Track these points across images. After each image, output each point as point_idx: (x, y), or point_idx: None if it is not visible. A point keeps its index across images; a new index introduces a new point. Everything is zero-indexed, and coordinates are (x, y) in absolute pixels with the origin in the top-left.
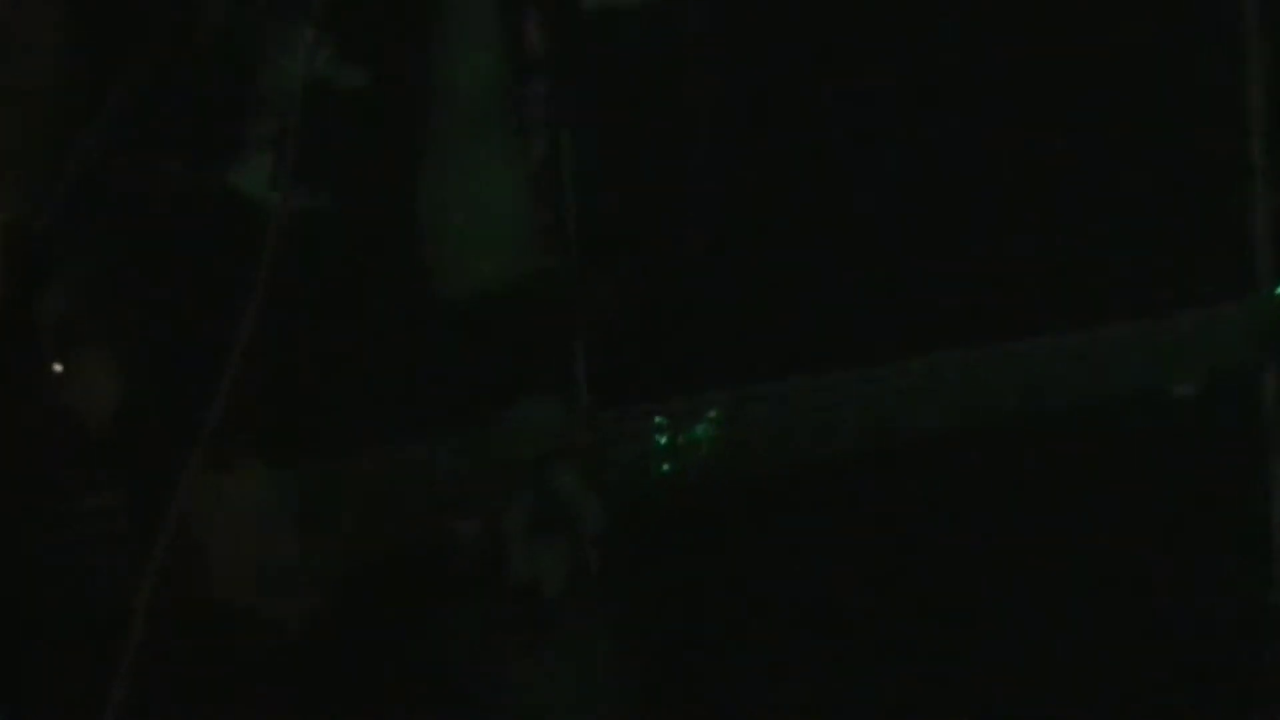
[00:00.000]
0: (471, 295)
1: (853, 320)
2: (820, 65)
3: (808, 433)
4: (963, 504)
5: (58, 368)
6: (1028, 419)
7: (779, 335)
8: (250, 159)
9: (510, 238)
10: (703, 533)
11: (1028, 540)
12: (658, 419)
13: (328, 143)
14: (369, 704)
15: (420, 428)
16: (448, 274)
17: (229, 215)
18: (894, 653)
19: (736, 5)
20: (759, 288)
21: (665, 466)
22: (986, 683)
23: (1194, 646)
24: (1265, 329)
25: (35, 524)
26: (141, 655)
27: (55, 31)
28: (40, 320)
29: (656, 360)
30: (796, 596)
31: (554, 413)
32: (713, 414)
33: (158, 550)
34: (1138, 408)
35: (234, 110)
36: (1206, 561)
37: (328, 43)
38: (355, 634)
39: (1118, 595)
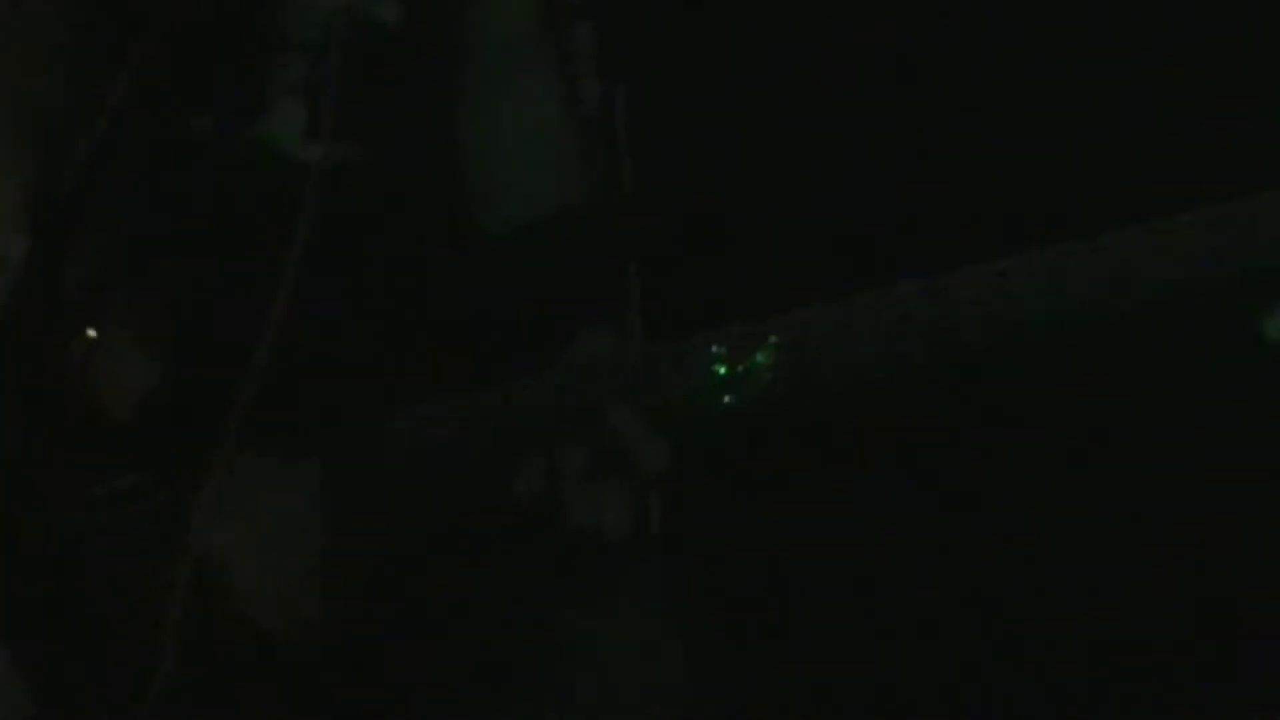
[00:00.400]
0: (521, 232)
1: (913, 234)
2: None
3: (874, 353)
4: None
5: (92, 333)
6: (1111, 329)
7: (837, 255)
8: (281, 109)
9: (559, 172)
10: (768, 472)
11: (1103, 473)
12: (715, 348)
13: (364, 87)
14: (427, 659)
15: (475, 372)
16: (496, 213)
17: (261, 169)
18: (974, 591)
19: None
20: (814, 207)
21: (726, 399)
22: (1073, 618)
23: None
24: None
25: (65, 506)
26: (183, 633)
27: None
28: (70, 285)
29: (712, 287)
30: (867, 541)
31: (610, 348)
32: (773, 340)
33: (195, 527)
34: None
35: (260, 58)
36: None
37: None
38: (411, 590)
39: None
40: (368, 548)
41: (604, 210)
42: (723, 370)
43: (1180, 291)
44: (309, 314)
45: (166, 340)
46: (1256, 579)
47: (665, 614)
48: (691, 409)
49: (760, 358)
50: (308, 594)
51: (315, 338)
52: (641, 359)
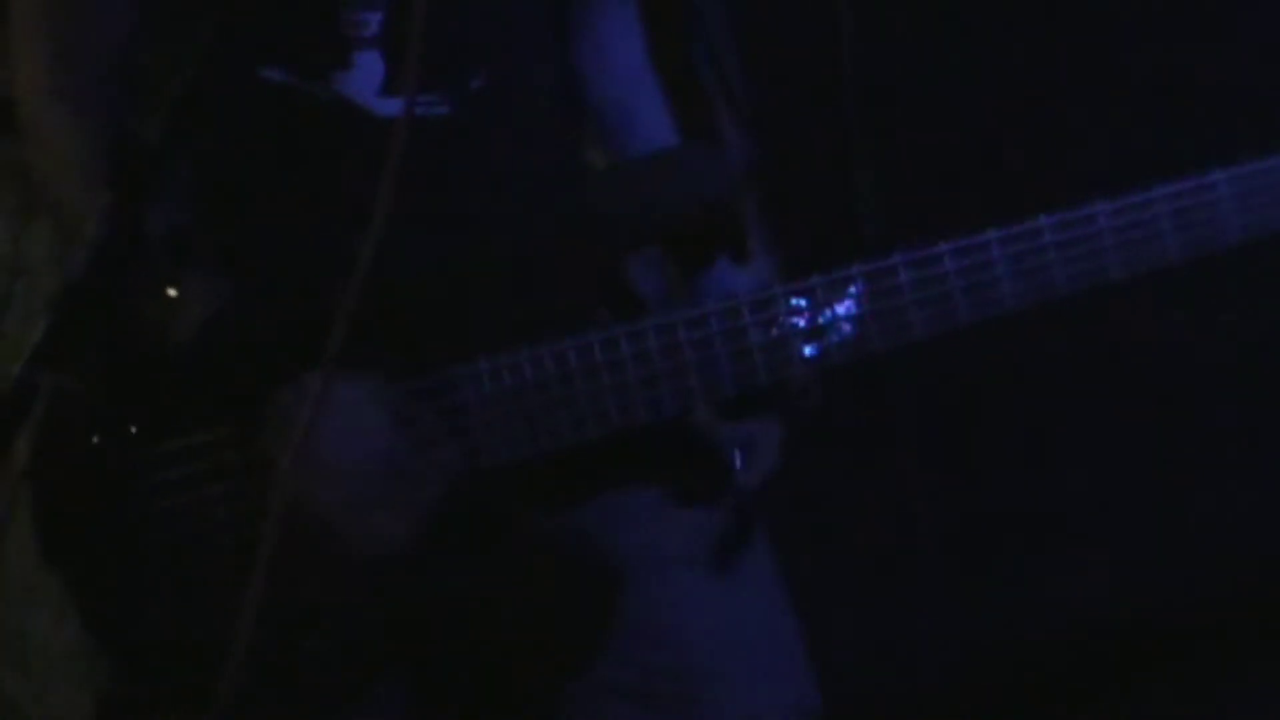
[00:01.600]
0: (609, 176)
1: (996, 178)
2: None
3: (961, 299)
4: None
5: (173, 292)
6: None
7: (917, 198)
8: (357, 60)
9: (647, 117)
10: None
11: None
12: (795, 299)
13: (440, 40)
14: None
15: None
16: (579, 157)
17: (336, 124)
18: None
19: None
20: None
21: (807, 350)
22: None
23: None
24: None
25: (140, 460)
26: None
27: None
28: (151, 233)
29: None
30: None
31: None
32: (854, 289)
33: (280, 486)
34: None
35: (338, 10)
36: None
37: None
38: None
39: None
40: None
41: (691, 159)
42: (802, 322)
43: None
44: (391, 266)
45: (248, 296)
46: None
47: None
48: (771, 360)
49: (842, 309)
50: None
51: (396, 290)
52: (722, 309)
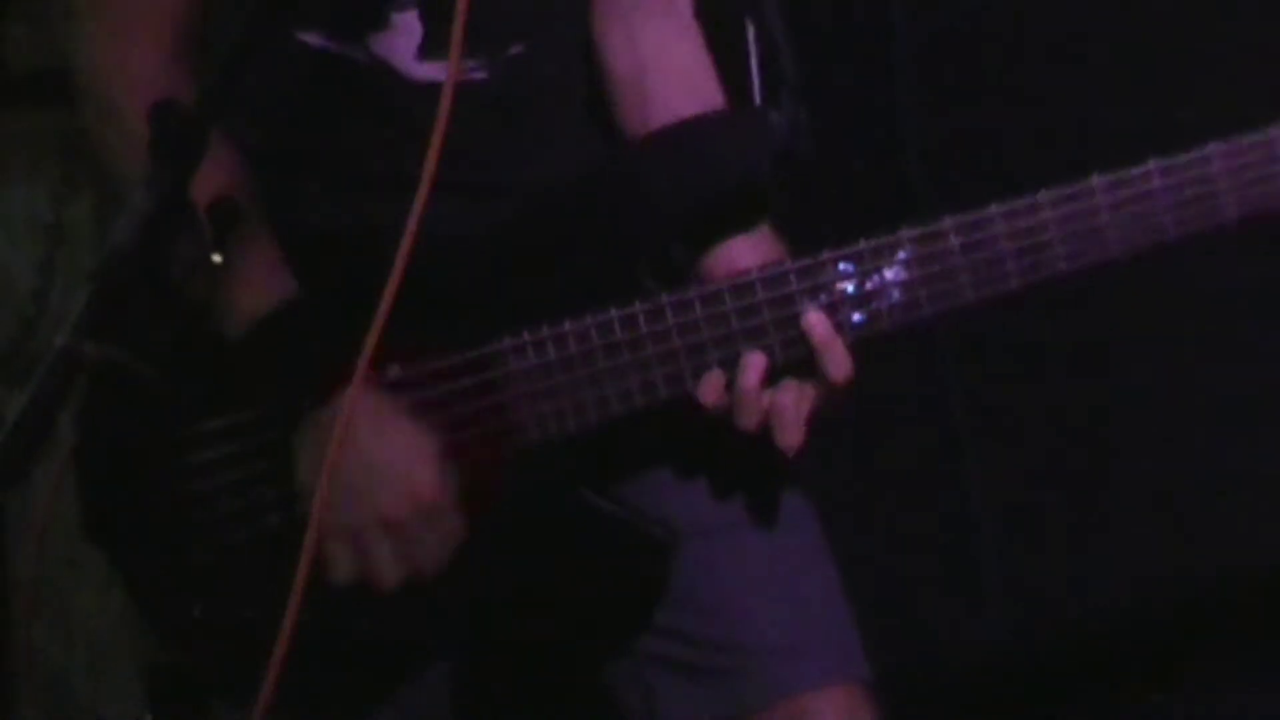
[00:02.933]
0: (651, 145)
1: (1047, 141)
2: None
3: (1012, 263)
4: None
5: (218, 258)
6: None
7: (966, 163)
8: (394, 25)
9: (690, 83)
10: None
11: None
12: (843, 265)
13: (479, 6)
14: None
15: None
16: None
17: (375, 88)
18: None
19: None
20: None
21: (855, 317)
22: None
23: None
24: None
25: (186, 434)
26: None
27: None
28: (193, 211)
29: (839, 200)
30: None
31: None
32: (903, 254)
33: (327, 469)
34: None
35: None
36: None
37: None
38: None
39: None
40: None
41: (735, 125)
42: (850, 288)
43: None
44: (429, 235)
45: (291, 265)
46: None
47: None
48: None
49: (891, 274)
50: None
51: (436, 259)
52: (768, 275)
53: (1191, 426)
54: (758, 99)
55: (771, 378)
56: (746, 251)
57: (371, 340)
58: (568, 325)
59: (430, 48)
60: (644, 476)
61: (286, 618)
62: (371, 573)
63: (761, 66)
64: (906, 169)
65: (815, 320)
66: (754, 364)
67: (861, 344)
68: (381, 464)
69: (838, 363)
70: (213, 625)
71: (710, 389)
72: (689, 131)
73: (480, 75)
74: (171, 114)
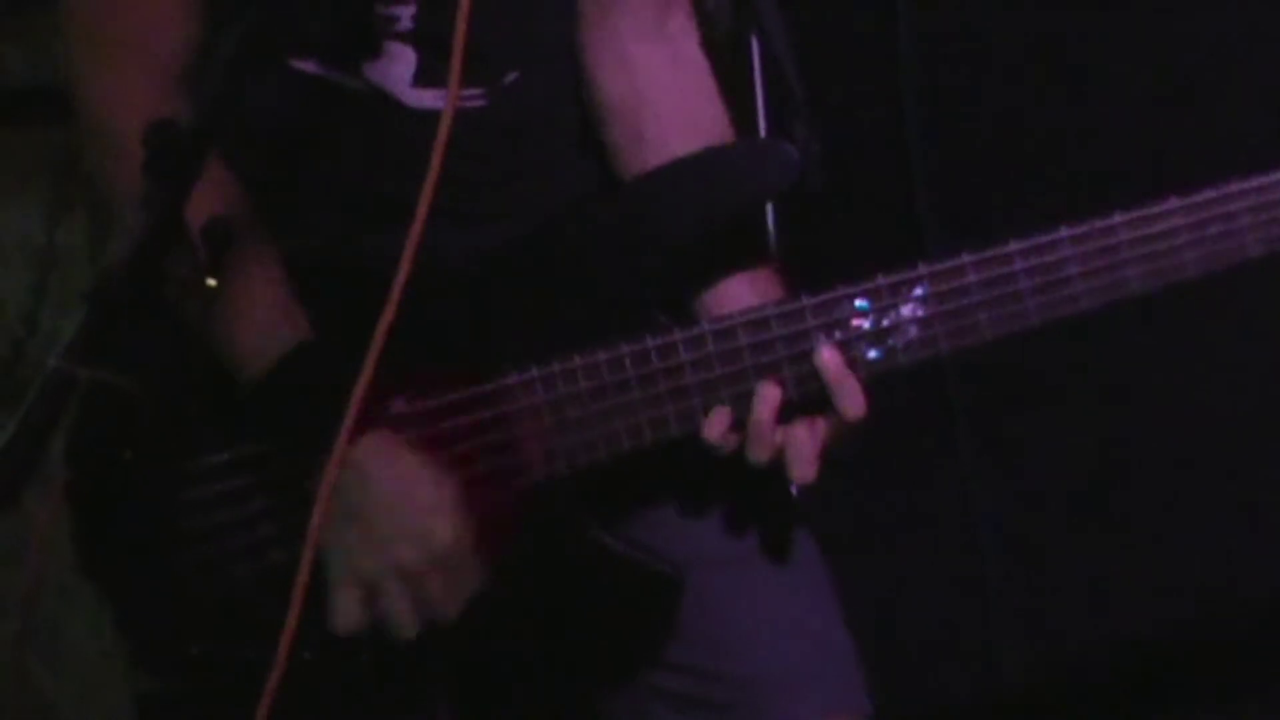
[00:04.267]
0: (657, 177)
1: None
2: None
3: (1031, 300)
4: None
5: (212, 282)
6: None
7: (979, 196)
8: (389, 52)
9: (686, 114)
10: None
11: None
12: (858, 300)
13: (475, 34)
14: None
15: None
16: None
17: (370, 115)
18: None
19: None
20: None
21: (871, 354)
22: None
23: None
24: None
25: (182, 467)
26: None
27: None
28: (187, 233)
29: (855, 235)
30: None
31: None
32: (919, 290)
33: (319, 503)
34: None
35: (366, 1)
36: None
37: None
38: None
39: None
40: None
41: (740, 155)
42: (866, 325)
43: None
44: (429, 265)
45: (289, 291)
46: None
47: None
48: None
49: (907, 310)
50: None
51: (436, 291)
52: (782, 311)
53: (1203, 450)
54: (763, 127)
55: (785, 412)
56: (745, 290)
57: (367, 371)
58: (578, 360)
59: (425, 75)
60: (646, 510)
61: (280, 651)
62: (388, 622)
63: (768, 93)
64: (914, 198)
65: (829, 357)
66: (768, 397)
67: (875, 381)
68: (400, 513)
69: (852, 399)
70: (211, 663)
71: (717, 426)
72: (693, 165)
73: (478, 103)
74: (166, 134)
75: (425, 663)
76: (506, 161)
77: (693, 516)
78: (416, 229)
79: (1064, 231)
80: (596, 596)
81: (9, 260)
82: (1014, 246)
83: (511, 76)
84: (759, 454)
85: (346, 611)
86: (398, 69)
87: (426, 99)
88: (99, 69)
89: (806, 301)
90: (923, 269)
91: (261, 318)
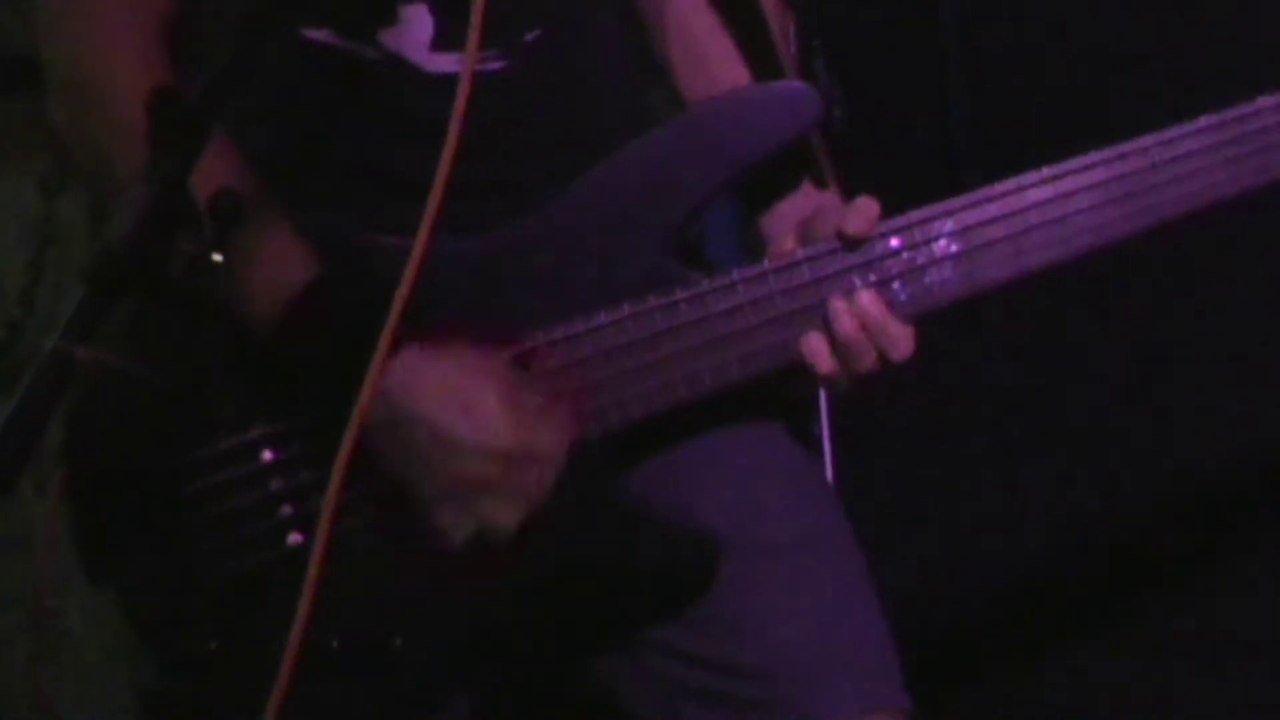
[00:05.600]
0: (680, 124)
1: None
2: None
3: (1069, 230)
4: None
5: (218, 257)
6: None
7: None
8: (406, 17)
9: (716, 56)
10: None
11: None
12: (890, 240)
13: None
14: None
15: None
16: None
17: (385, 85)
18: None
19: None
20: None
21: (904, 296)
22: None
23: None
24: None
25: (182, 458)
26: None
27: None
28: (193, 207)
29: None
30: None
31: None
32: (951, 225)
33: (332, 488)
34: None
35: None
36: None
37: None
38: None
39: None
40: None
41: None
42: (897, 266)
43: None
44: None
45: (299, 267)
46: None
47: None
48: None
49: (939, 246)
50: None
51: (457, 261)
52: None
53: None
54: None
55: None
56: (801, 202)
57: (383, 347)
58: (603, 317)
59: (444, 38)
60: (675, 495)
61: (294, 634)
62: (490, 522)
63: (794, 36)
64: (954, 143)
65: (867, 300)
66: (870, 297)
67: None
68: (457, 415)
69: (897, 341)
70: (230, 657)
71: (819, 349)
72: (721, 107)
73: (497, 64)
74: (171, 103)
75: (456, 643)
76: (532, 126)
77: (722, 504)
78: (436, 195)
79: (1095, 155)
80: (633, 559)
81: (5, 235)
82: (1046, 171)
83: (533, 34)
84: (865, 358)
85: (454, 528)
86: (415, 34)
87: (446, 64)
88: (83, 31)
89: (837, 242)
90: (955, 203)
91: (271, 260)
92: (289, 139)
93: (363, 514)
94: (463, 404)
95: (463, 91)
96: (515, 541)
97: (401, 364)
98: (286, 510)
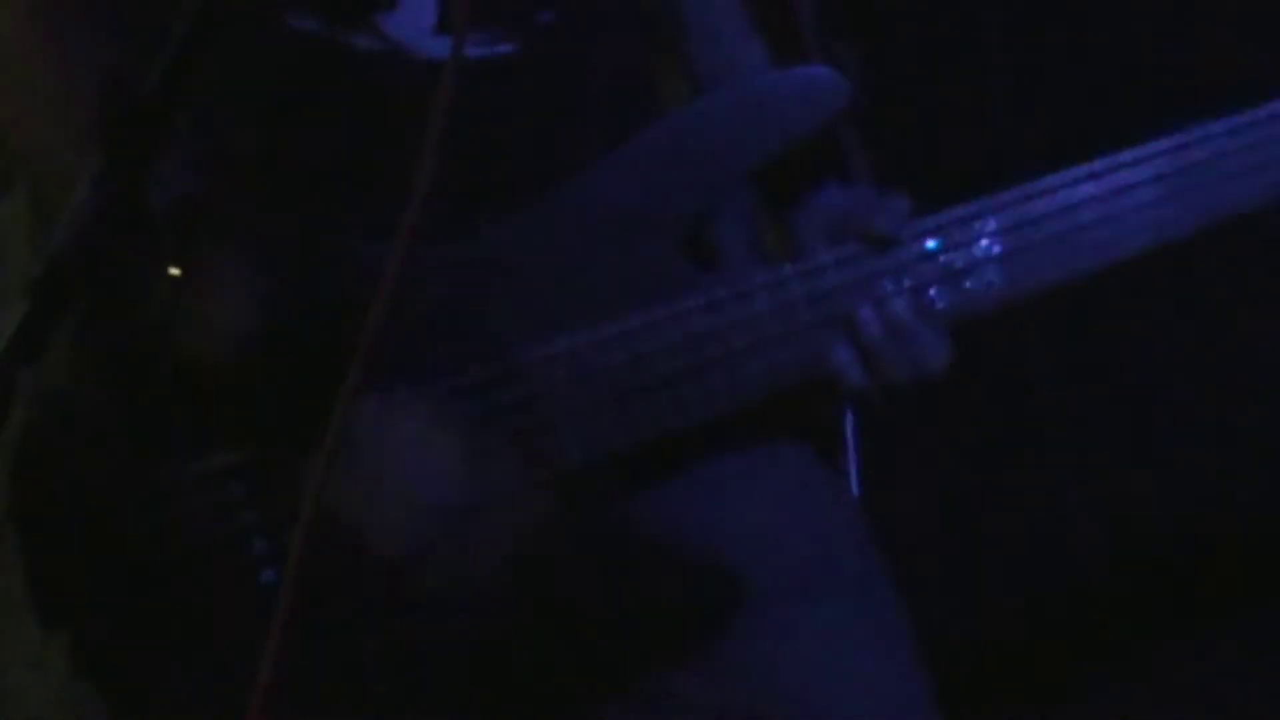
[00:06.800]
0: (696, 112)
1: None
2: None
3: (1117, 231)
4: None
5: (176, 271)
6: None
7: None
8: (404, 3)
9: (733, 40)
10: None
11: None
12: (926, 241)
13: None
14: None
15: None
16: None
17: (378, 77)
18: None
19: None
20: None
21: (941, 304)
22: None
23: None
24: None
25: (144, 490)
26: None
27: None
28: (154, 206)
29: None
30: None
31: None
32: (994, 224)
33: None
34: None
35: None
36: None
37: None
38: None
39: None
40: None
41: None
42: (935, 269)
43: None
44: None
45: (271, 277)
46: None
47: None
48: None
49: (980, 249)
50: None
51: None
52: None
53: None
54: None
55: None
56: (833, 200)
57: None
58: (609, 328)
59: (449, 21)
60: (691, 527)
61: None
62: (456, 581)
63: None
64: (995, 133)
65: (901, 308)
66: (904, 305)
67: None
68: (408, 477)
69: (932, 350)
70: (205, 704)
71: (848, 362)
72: (739, 95)
73: (505, 49)
74: (124, 96)
75: (455, 691)
76: (544, 117)
77: (742, 533)
78: (416, 198)
79: (1157, 144)
80: (641, 595)
81: None
82: (1098, 164)
83: (545, 17)
84: (900, 365)
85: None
86: (415, 19)
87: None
88: (42, 20)
89: (865, 245)
90: (998, 199)
91: (232, 275)
92: (273, 137)
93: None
94: (416, 459)
95: (448, 77)
96: (498, 582)
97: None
98: (262, 546)
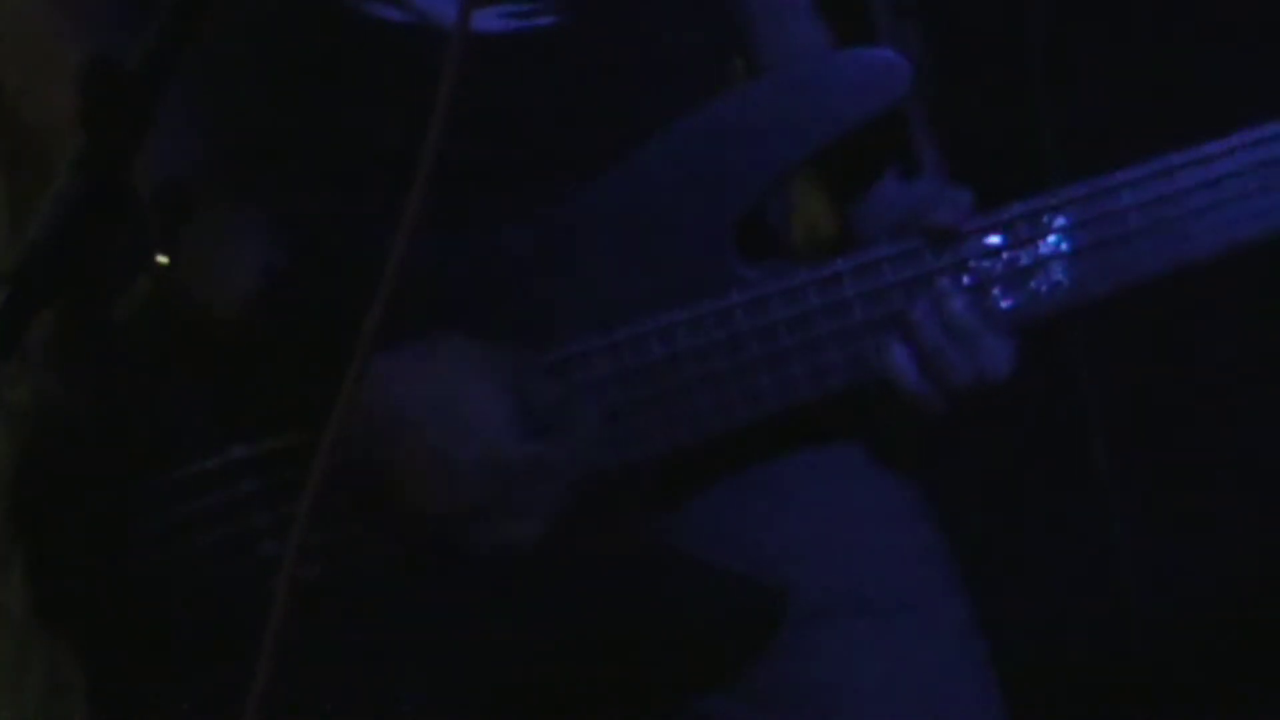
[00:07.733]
0: (755, 94)
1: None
2: None
3: (1187, 224)
4: None
5: (163, 259)
6: None
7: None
8: None
9: (796, 16)
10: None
11: None
12: (988, 237)
13: None
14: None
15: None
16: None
17: (406, 42)
18: None
19: None
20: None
21: (1004, 303)
22: None
23: None
24: None
25: (150, 492)
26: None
27: None
28: (142, 189)
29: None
30: None
31: None
32: (1063, 220)
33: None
34: None
35: None
36: None
37: None
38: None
39: None
40: None
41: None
42: (998, 267)
43: None
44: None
45: (269, 264)
46: None
47: None
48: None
49: (1047, 246)
50: None
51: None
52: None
53: None
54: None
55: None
56: (899, 192)
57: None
58: (649, 325)
59: None
60: (738, 540)
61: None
62: (499, 547)
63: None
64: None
65: (961, 307)
66: (964, 304)
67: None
68: (444, 447)
69: (993, 356)
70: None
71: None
72: (802, 74)
73: (546, 20)
74: (108, 74)
75: (486, 693)
76: (589, 95)
77: (796, 546)
78: (423, 173)
79: (1238, 137)
80: (681, 611)
81: None
82: (1175, 159)
83: None
84: (961, 366)
85: (472, 546)
86: None
87: (492, 21)
88: None
89: (924, 241)
90: (1066, 193)
91: (225, 261)
92: (294, 116)
93: (367, 546)
94: (456, 415)
95: (455, 47)
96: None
97: (380, 372)
98: (271, 548)
